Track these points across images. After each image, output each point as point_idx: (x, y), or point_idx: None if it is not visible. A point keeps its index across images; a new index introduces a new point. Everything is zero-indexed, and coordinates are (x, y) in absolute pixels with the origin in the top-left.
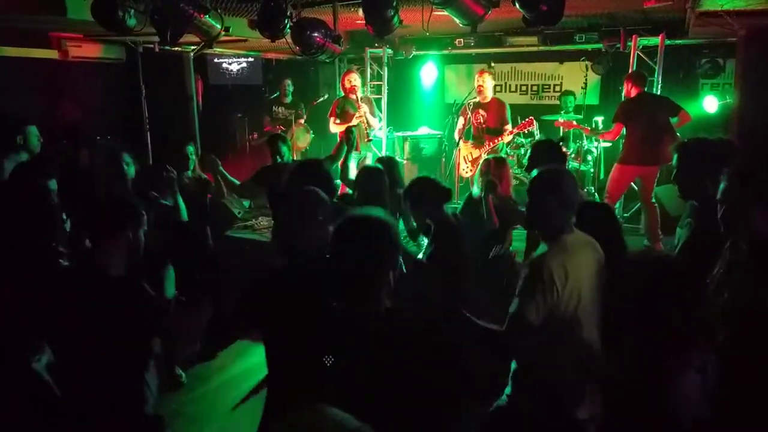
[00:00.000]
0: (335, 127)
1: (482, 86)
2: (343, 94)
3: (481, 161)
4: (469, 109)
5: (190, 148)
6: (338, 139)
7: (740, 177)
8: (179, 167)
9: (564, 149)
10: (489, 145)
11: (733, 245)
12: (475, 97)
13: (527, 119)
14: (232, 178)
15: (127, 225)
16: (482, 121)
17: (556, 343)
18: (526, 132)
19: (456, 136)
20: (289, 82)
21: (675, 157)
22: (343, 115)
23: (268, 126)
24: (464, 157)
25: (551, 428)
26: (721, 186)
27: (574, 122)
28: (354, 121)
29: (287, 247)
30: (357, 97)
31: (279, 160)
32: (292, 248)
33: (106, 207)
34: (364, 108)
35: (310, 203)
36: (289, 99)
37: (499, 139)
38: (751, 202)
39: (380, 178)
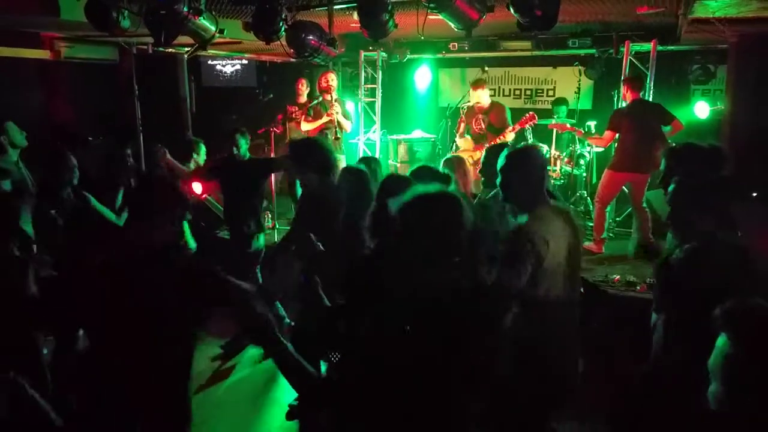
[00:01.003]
0: (306, 125)
1: (479, 102)
2: (318, 94)
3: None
4: (463, 113)
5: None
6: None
7: (684, 182)
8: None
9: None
10: (491, 143)
11: None
12: (475, 102)
13: (528, 114)
14: (182, 167)
15: None
16: (483, 125)
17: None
18: (529, 127)
19: (457, 138)
20: (305, 81)
21: (663, 161)
22: (315, 114)
23: (263, 128)
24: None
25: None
26: (669, 188)
27: (568, 125)
28: (324, 119)
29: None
30: (331, 97)
31: (236, 152)
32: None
33: None
34: (337, 108)
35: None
36: (304, 98)
37: (501, 137)
38: (692, 207)
39: (363, 178)
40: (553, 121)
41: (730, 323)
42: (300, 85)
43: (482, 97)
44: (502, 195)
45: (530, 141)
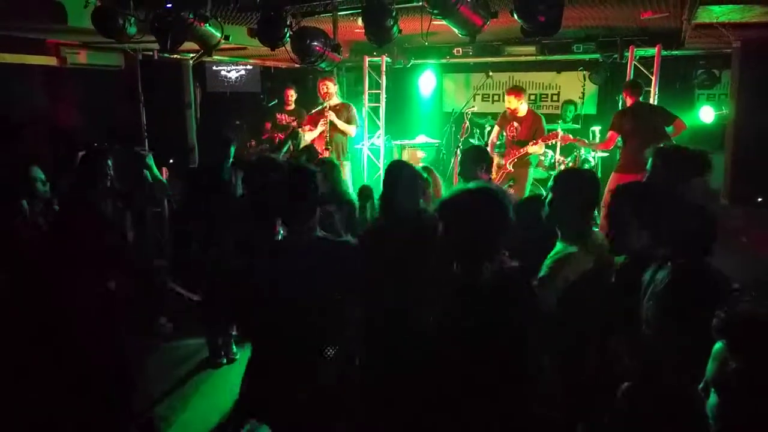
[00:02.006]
0: (308, 135)
1: (515, 108)
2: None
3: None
4: (505, 121)
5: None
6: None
7: (620, 191)
8: None
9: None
10: (514, 154)
11: None
12: (472, 107)
13: (552, 132)
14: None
15: None
16: (515, 133)
17: None
18: (550, 144)
19: (489, 148)
20: (293, 90)
21: (649, 161)
22: (315, 124)
23: (266, 133)
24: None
25: None
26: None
27: (570, 136)
28: (319, 128)
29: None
30: (328, 104)
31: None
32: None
33: None
34: (332, 115)
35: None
36: (292, 106)
37: (523, 150)
38: (628, 217)
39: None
40: (560, 131)
41: (730, 330)
42: (288, 93)
43: (514, 104)
44: (548, 215)
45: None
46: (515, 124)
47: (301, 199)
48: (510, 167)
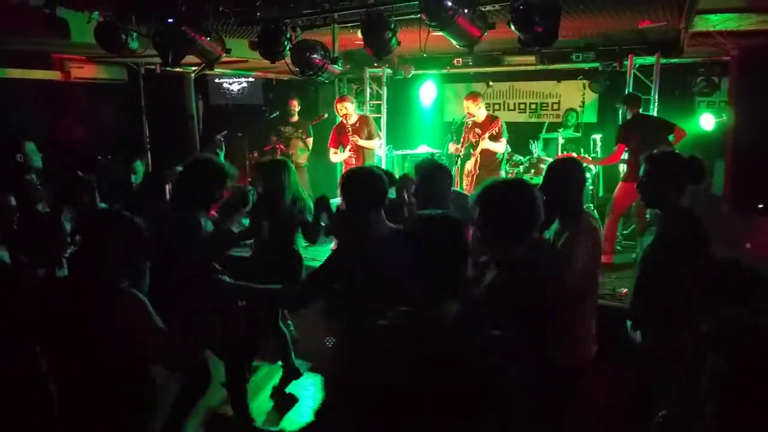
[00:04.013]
0: (335, 157)
1: (474, 114)
2: (339, 118)
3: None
4: (468, 129)
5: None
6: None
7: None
8: None
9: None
10: (473, 155)
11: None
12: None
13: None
14: None
15: None
16: (478, 138)
17: None
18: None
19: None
20: (296, 102)
21: (642, 167)
22: (336, 144)
23: (269, 145)
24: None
25: None
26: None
27: (573, 154)
28: (346, 153)
29: None
30: (349, 125)
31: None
32: None
33: None
34: (355, 138)
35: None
36: (296, 118)
37: (477, 148)
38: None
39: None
40: (561, 139)
41: (717, 340)
42: (291, 105)
43: (472, 108)
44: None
45: (536, 154)
46: (476, 129)
47: None
48: (477, 170)
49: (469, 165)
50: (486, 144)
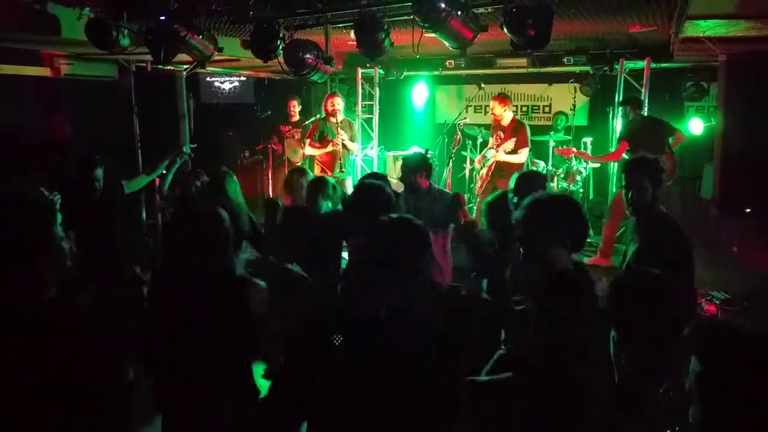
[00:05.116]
0: (310, 150)
1: (500, 116)
2: (324, 115)
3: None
4: (494, 130)
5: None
6: (315, 162)
7: (534, 206)
8: None
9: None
10: (490, 164)
11: None
12: (464, 118)
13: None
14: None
15: None
16: (500, 142)
17: None
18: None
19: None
20: (296, 101)
21: (623, 175)
22: (321, 139)
23: (260, 145)
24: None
25: None
26: (517, 213)
27: (573, 149)
28: (329, 148)
29: None
30: (337, 121)
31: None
32: None
33: None
34: (343, 135)
35: None
36: (296, 118)
37: (491, 159)
38: (543, 232)
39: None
40: (552, 141)
41: (696, 343)
42: (291, 105)
43: (497, 110)
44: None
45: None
46: (500, 132)
47: None
48: (488, 177)
49: (483, 170)
50: (501, 157)
